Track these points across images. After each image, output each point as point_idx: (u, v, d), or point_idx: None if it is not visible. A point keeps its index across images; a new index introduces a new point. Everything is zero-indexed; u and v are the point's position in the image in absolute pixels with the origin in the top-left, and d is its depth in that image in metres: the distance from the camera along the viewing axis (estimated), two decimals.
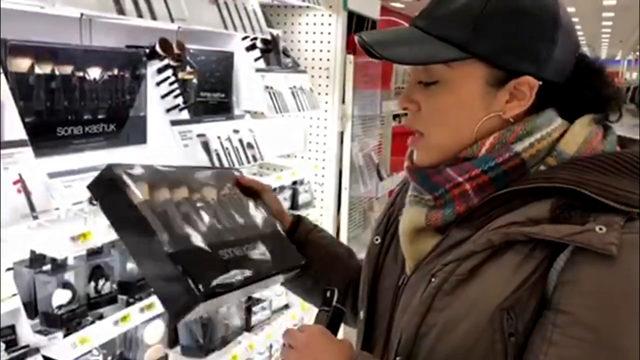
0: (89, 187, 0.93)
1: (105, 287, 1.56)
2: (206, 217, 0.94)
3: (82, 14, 1.70)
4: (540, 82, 0.79)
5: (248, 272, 0.90)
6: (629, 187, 0.73)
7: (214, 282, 0.83)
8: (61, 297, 1.42)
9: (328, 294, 0.90)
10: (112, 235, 1.45)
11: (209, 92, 2.00)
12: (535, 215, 0.75)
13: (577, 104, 0.82)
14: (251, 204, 1.06)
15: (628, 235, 0.70)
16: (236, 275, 0.87)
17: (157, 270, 0.84)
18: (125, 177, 0.88)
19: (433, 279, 0.79)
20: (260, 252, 0.96)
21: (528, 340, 0.73)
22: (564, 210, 0.73)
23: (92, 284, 1.53)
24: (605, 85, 0.84)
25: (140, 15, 1.48)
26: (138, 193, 0.87)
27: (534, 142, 0.79)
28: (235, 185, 1.08)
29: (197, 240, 0.88)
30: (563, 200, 0.74)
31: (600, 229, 0.70)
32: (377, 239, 0.97)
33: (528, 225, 0.74)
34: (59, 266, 1.44)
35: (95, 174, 0.93)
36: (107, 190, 0.90)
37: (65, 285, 1.43)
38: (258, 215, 1.05)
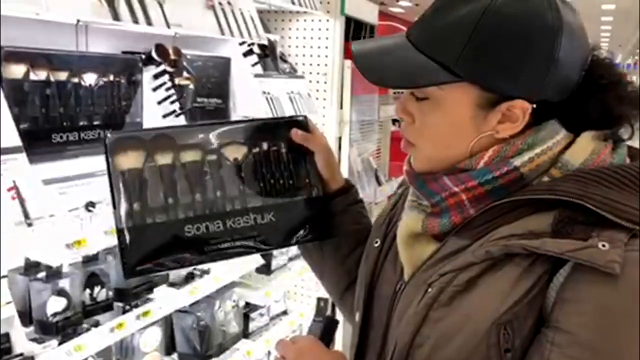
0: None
1: (101, 294, 1.55)
2: (209, 184, 0.93)
3: (78, 20, 1.71)
4: (534, 105, 0.77)
5: (205, 254, 0.90)
6: (634, 202, 0.71)
7: (145, 266, 0.85)
8: (56, 304, 1.41)
9: (321, 303, 0.90)
10: (108, 242, 1.45)
11: (206, 98, 2.00)
12: (536, 228, 0.73)
13: (581, 119, 0.79)
14: (295, 164, 1.00)
15: (631, 253, 0.68)
16: (186, 258, 0.89)
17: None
18: (113, 144, 0.88)
19: (429, 289, 0.77)
20: (261, 222, 0.94)
21: (525, 357, 0.71)
22: (566, 224, 0.71)
23: (88, 291, 1.52)
24: (619, 101, 0.77)
25: (135, 21, 1.48)
26: (119, 161, 0.88)
27: (533, 157, 0.77)
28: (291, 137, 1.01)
29: (164, 214, 0.89)
30: (565, 213, 0.72)
31: (603, 245, 0.67)
32: (376, 242, 0.96)
33: (528, 238, 0.72)
34: (53, 273, 1.42)
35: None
36: (105, 157, 0.90)
37: (60, 292, 1.42)
38: (298, 177, 0.99)
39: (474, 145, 0.79)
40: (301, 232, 0.98)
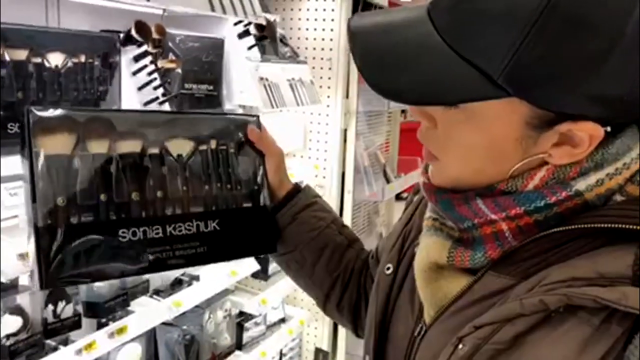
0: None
1: (67, 310, 1.34)
2: (148, 181, 0.78)
3: None
4: (609, 128, 0.56)
5: (141, 264, 0.75)
6: None
7: (68, 274, 0.70)
8: (9, 324, 1.20)
9: (321, 356, 0.69)
10: None
11: (195, 84, 1.77)
12: (610, 270, 0.52)
13: None
14: (244, 167, 0.89)
15: None
16: (118, 267, 0.74)
17: (32, 238, 0.72)
18: (38, 122, 0.71)
19: (461, 345, 0.57)
20: (204, 231, 0.81)
21: None
22: None
23: (50, 307, 1.31)
24: None
25: None
26: (43, 144, 0.71)
27: (603, 179, 0.57)
28: (243, 137, 0.90)
29: (95, 213, 0.73)
30: None
31: None
32: (388, 268, 0.76)
33: (599, 284, 0.51)
34: (8, 288, 1.21)
35: None
36: (22, 137, 0.73)
37: (15, 310, 1.21)
38: (247, 182, 0.88)
39: (518, 169, 0.59)
40: (246, 244, 0.87)
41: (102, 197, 0.74)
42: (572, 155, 0.57)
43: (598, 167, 0.58)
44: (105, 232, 0.73)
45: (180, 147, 0.83)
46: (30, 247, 0.71)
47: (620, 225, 0.53)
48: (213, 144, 0.86)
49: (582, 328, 0.52)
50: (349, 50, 0.59)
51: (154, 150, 0.80)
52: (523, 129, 0.56)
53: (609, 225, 0.54)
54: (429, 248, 0.66)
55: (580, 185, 0.57)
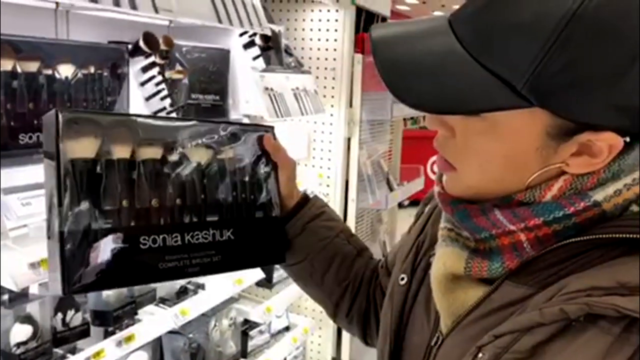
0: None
1: (76, 318, 1.35)
2: (169, 189, 0.78)
3: (57, 4, 1.51)
4: (627, 139, 0.57)
5: (159, 272, 0.75)
6: None
7: (89, 280, 0.69)
8: (20, 333, 1.21)
9: None
10: None
11: (202, 94, 1.79)
12: (630, 279, 0.52)
13: None
14: (258, 177, 0.89)
15: None
16: (137, 274, 0.75)
17: (52, 244, 0.71)
18: (67, 124, 0.70)
19: (480, 354, 0.57)
20: (219, 240, 0.82)
21: None
22: None
23: (60, 315, 1.32)
24: None
25: (117, 4, 1.27)
26: (70, 147, 0.70)
27: (621, 189, 0.57)
28: (259, 147, 0.90)
29: (117, 219, 0.73)
30: None
31: None
32: (402, 279, 0.77)
33: (620, 294, 0.52)
34: (18, 297, 1.23)
35: None
36: (46, 138, 0.73)
37: (26, 319, 1.22)
38: (259, 192, 0.89)
39: (536, 179, 0.59)
40: (257, 254, 0.88)
41: (124, 203, 0.73)
42: (590, 165, 0.58)
43: (615, 178, 0.58)
44: (126, 239, 0.72)
45: (199, 154, 0.82)
46: (49, 253, 0.71)
47: (638, 236, 0.54)
48: (230, 153, 0.86)
49: (603, 337, 0.52)
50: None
51: (174, 158, 0.80)
52: (543, 139, 0.57)
53: (627, 235, 0.55)
54: (446, 258, 0.66)
55: (599, 195, 0.57)
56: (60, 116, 0.69)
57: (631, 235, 0.54)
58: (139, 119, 0.77)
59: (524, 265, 0.61)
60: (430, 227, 0.78)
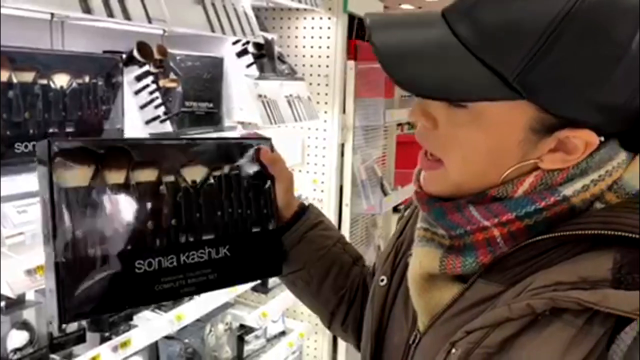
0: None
1: (72, 324, 1.36)
2: (163, 210, 0.78)
3: (52, 15, 1.54)
4: (602, 138, 0.60)
5: (155, 294, 0.76)
6: None
7: (86, 308, 0.70)
8: (17, 339, 1.22)
9: None
10: None
11: (195, 102, 1.81)
12: (591, 274, 0.55)
13: None
14: (254, 191, 0.89)
15: None
16: (134, 298, 0.75)
17: (47, 276, 0.71)
18: (59, 154, 0.70)
19: (453, 350, 0.60)
20: (215, 257, 0.82)
21: None
22: (631, 269, 0.54)
23: None
24: None
25: (110, 15, 1.30)
26: (62, 177, 0.70)
27: (588, 185, 0.60)
28: (256, 160, 0.90)
29: (112, 245, 0.73)
30: (630, 255, 0.55)
31: None
32: (382, 280, 0.79)
33: (582, 288, 0.54)
34: (15, 303, 1.24)
35: None
36: (39, 169, 0.73)
37: (22, 325, 1.23)
38: (256, 206, 0.88)
39: (510, 173, 0.62)
40: (254, 268, 0.88)
41: (120, 227, 0.73)
42: (564, 161, 0.60)
43: (583, 174, 0.61)
44: (122, 264, 0.72)
45: (194, 173, 0.82)
46: (47, 282, 0.71)
47: (600, 232, 0.57)
48: (227, 168, 0.85)
49: (567, 329, 0.54)
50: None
51: (170, 178, 0.79)
52: (526, 133, 0.59)
53: (591, 232, 0.57)
54: (422, 258, 0.69)
55: (568, 190, 0.60)
56: (52, 147, 0.69)
57: (592, 232, 0.57)
58: (133, 143, 0.77)
59: (495, 264, 0.63)
60: (410, 228, 0.80)
